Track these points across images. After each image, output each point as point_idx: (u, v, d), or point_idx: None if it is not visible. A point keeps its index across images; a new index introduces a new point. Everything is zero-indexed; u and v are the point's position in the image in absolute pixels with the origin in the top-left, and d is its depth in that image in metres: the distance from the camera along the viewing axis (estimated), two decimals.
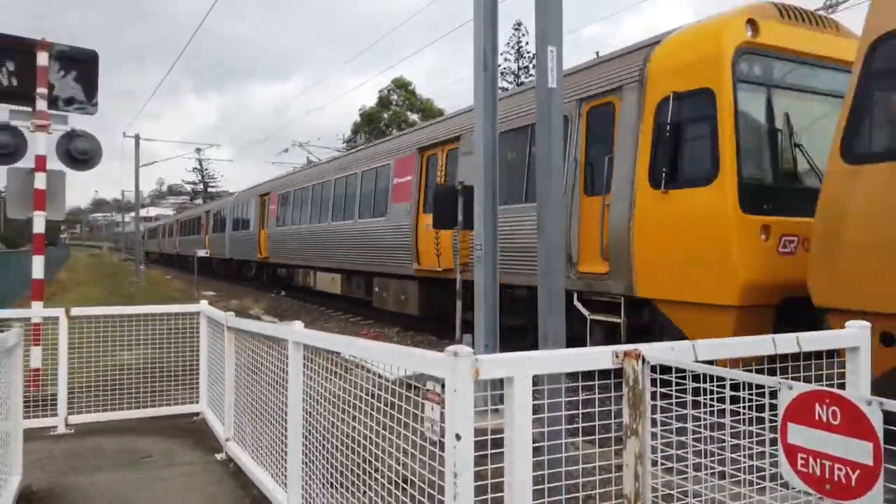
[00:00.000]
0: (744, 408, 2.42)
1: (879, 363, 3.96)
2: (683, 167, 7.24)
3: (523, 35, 52.05)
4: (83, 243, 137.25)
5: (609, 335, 7.99)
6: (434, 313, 12.59)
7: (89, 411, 6.66)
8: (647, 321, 7.65)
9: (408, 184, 13.15)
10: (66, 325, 6.50)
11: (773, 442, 2.13)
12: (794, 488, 2.02)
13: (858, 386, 2.82)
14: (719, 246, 6.73)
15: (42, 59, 8.09)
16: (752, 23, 7.00)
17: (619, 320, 7.65)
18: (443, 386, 2.31)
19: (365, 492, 3.08)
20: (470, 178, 9.23)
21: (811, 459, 1.89)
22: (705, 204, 6.87)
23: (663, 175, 7.14)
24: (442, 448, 2.31)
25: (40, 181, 8.11)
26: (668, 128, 7.13)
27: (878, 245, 5.27)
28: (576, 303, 8.05)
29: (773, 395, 2.09)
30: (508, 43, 53.25)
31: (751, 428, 2.42)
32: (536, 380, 2.48)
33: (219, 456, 5.66)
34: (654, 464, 2.47)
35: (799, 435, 1.93)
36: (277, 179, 24.48)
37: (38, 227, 8.23)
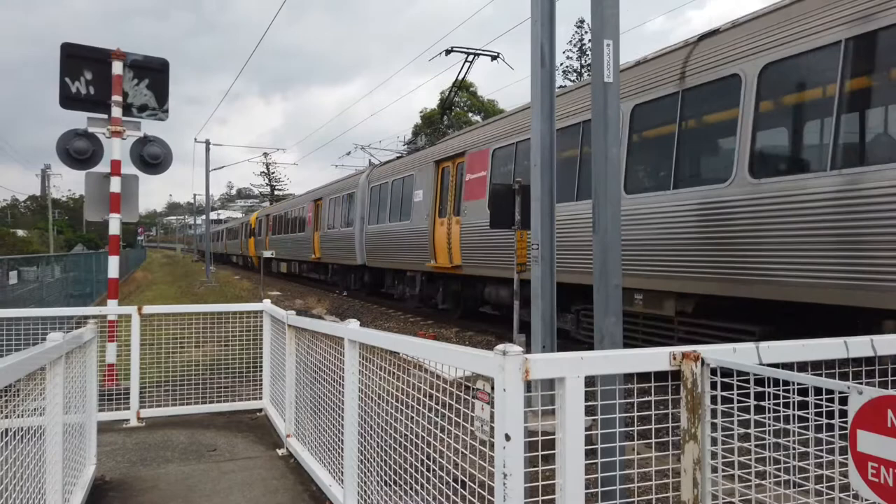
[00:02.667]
0: (811, 413, 2.29)
1: None
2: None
3: (586, 33, 51.38)
4: (158, 245, 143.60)
5: None
6: None
7: (159, 405, 6.93)
8: None
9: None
10: (138, 322, 6.77)
11: (843, 450, 2.01)
12: (865, 499, 1.89)
13: None
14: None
15: (117, 68, 8.48)
16: None
17: None
18: (492, 386, 2.28)
19: (417, 491, 3.08)
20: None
21: (883, 469, 1.77)
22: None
23: None
24: (492, 448, 2.28)
25: (115, 185, 8.50)
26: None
27: None
28: None
29: (844, 400, 1.97)
30: (571, 41, 52.74)
31: (818, 435, 2.29)
32: (592, 380, 2.42)
33: (280, 451, 5.79)
34: (714, 470, 2.37)
35: (870, 443, 1.81)
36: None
37: (114, 228, 8.62)
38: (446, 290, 15.03)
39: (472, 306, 14.50)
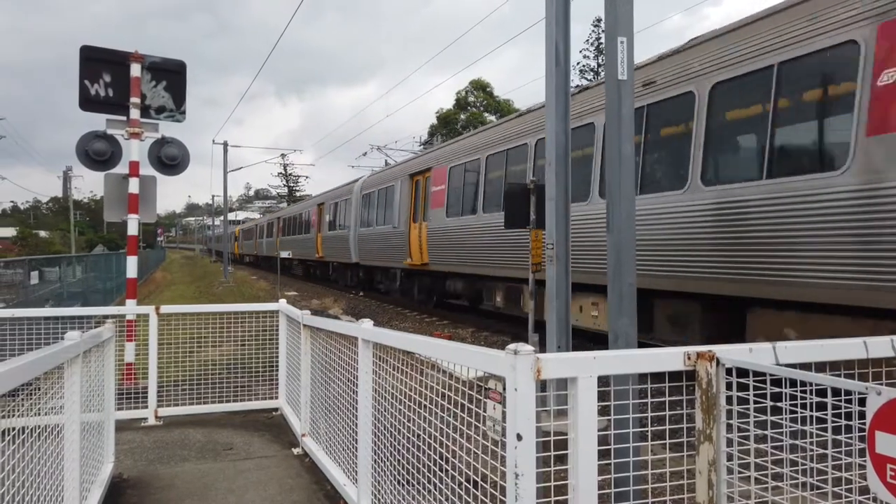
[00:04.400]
0: (829, 414, 2.25)
1: None
2: None
3: (603, 31, 51.02)
4: (178, 245, 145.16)
5: None
6: None
7: (177, 404, 6.99)
8: None
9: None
10: (156, 321, 6.84)
11: (861, 452, 1.97)
12: (883, 502, 1.85)
13: None
14: None
15: (135, 70, 8.57)
16: None
17: None
18: (504, 385, 2.26)
19: (430, 490, 3.07)
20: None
21: None
22: None
23: None
24: (504, 448, 2.27)
25: (134, 186, 8.59)
26: None
27: None
28: None
29: (862, 401, 1.93)
30: (588, 40, 52.40)
31: (836, 436, 2.25)
32: (607, 381, 2.39)
33: (295, 450, 5.81)
34: (730, 471, 2.34)
35: (888, 444, 1.77)
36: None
37: (132, 229, 8.71)
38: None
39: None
